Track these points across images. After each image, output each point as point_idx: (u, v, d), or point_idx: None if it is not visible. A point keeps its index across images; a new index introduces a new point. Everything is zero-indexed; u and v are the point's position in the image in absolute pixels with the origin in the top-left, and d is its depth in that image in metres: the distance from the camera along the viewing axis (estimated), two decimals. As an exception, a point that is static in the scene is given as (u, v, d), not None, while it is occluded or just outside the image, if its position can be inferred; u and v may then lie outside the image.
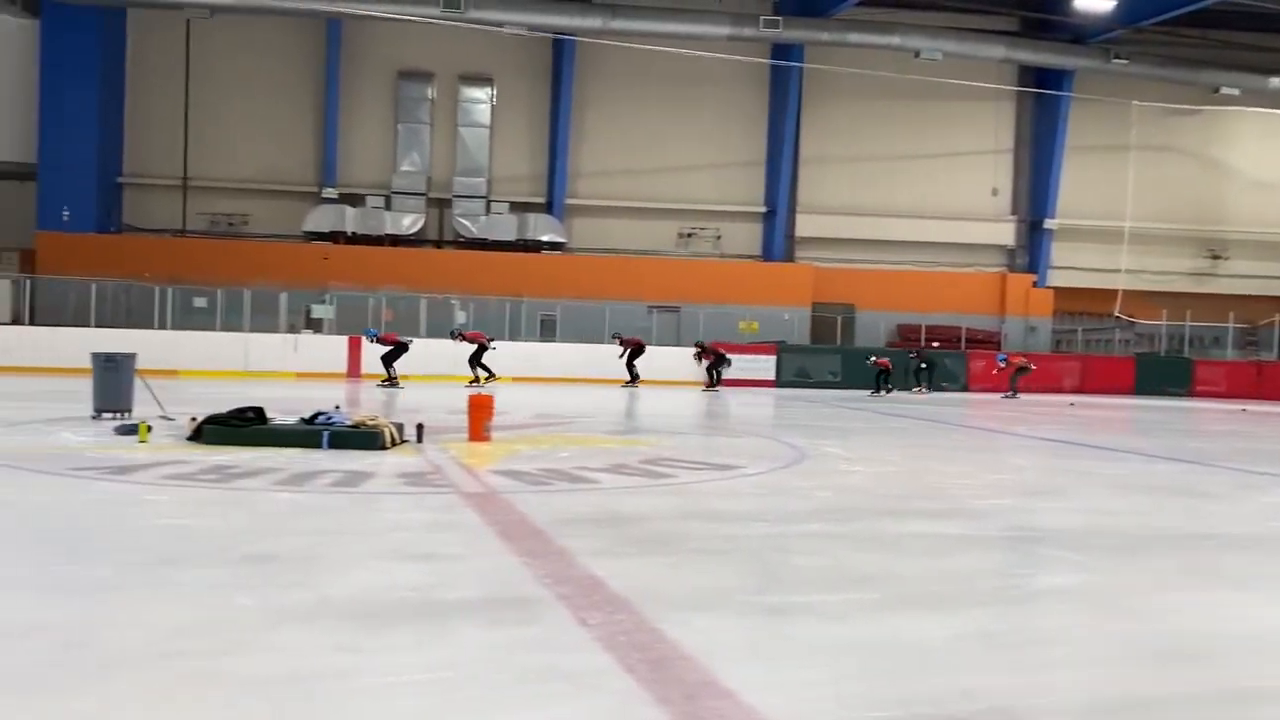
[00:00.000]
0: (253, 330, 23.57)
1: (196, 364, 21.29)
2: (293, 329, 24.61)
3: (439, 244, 30.05)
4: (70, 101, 25.15)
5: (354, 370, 23.69)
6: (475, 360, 21.71)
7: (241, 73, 28.06)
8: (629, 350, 24.21)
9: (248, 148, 28.26)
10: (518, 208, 30.03)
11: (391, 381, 20.75)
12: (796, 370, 27.91)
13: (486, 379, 21.62)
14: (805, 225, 32.89)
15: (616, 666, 3.89)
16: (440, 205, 30.02)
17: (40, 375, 19.75)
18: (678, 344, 27.58)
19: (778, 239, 32.01)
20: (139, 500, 7.61)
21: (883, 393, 24.67)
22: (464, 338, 22.34)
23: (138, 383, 12.66)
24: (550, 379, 24.00)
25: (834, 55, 29.75)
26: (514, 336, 26.36)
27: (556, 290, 27.77)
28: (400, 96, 29.44)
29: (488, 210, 29.84)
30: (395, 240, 28.75)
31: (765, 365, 27.62)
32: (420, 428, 10.99)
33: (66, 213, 25.38)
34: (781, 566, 5.95)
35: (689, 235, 32.28)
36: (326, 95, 28.49)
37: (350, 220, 28.05)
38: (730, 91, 31.56)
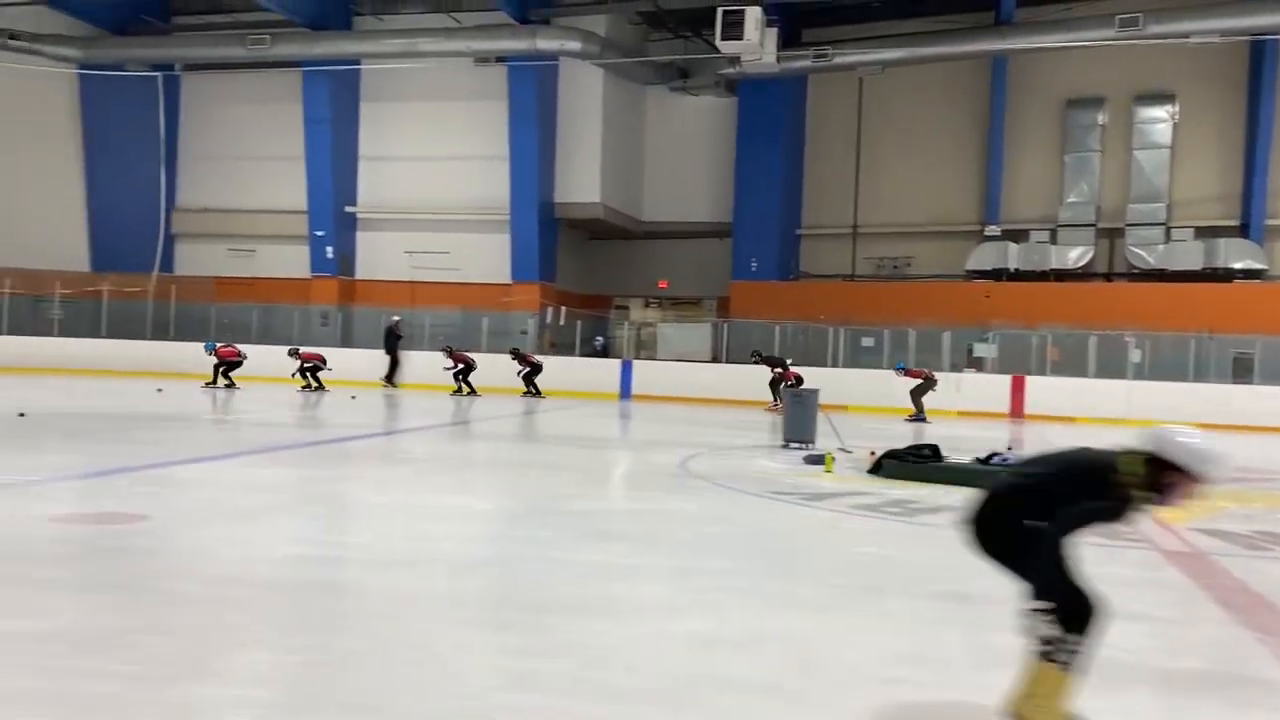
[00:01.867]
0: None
1: (866, 400, 22.50)
2: (955, 368, 24.81)
3: (1109, 277, 28.15)
4: (760, 165, 28.50)
5: (1017, 410, 23.14)
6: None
7: (907, 120, 29.27)
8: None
9: (912, 192, 29.33)
10: (1204, 233, 26.94)
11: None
12: None
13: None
14: None
15: None
16: (1110, 236, 28.12)
17: (734, 407, 22.52)
18: None
19: None
20: (836, 526, 8.18)
21: None
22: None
23: (820, 416, 13.70)
24: (1247, 427, 20.97)
25: None
26: (1200, 377, 23.58)
27: (1253, 325, 24.26)
28: (1068, 125, 28.30)
29: (1167, 238, 27.23)
30: (1060, 275, 27.58)
31: None
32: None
33: (755, 263, 28.71)
34: None
35: None
36: (990, 133, 28.45)
37: (1013, 257, 27.57)
38: None
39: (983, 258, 27.95)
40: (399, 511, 8.15)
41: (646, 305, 31.64)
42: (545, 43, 25.76)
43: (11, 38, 26.71)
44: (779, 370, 21.84)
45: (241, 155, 29.96)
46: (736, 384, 23.76)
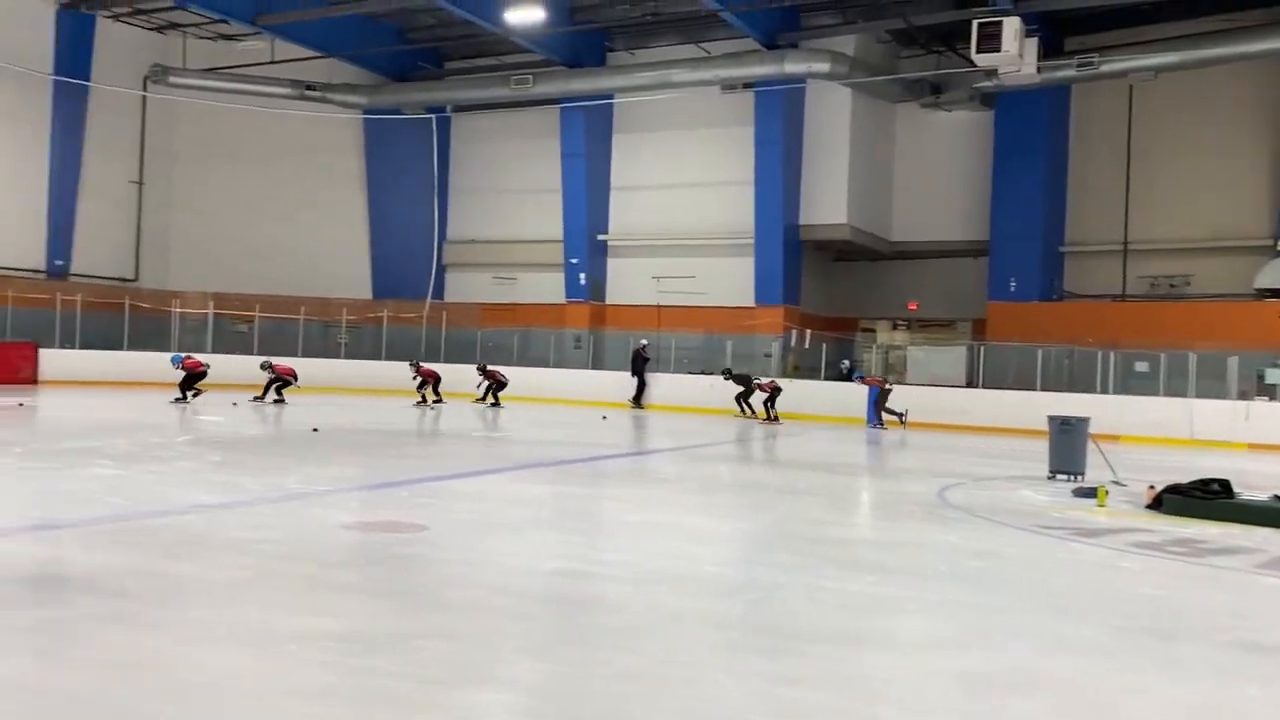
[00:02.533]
0: (1198, 396, 22.24)
1: (1138, 429, 20.87)
2: (1243, 395, 22.55)
3: None
4: (1019, 180, 27.14)
5: (1318, 443, 20.71)
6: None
7: (1184, 127, 27.04)
8: None
9: (1190, 205, 27.02)
10: None
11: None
12: None
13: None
14: None
15: None
16: None
17: (990, 435, 21.49)
18: None
19: None
20: (1113, 565, 7.62)
21: None
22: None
23: (1090, 446, 12.82)
24: None
25: None
26: None
27: None
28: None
29: None
30: (1370, 293, 24.52)
31: None
32: None
33: (1013, 283, 27.33)
34: None
35: None
36: (1282, 138, 25.81)
37: (1312, 273, 24.78)
38: None
39: (1275, 275, 25.30)
40: (654, 530, 8.33)
41: (895, 327, 30.82)
42: (793, 66, 25.76)
43: (309, 89, 29.69)
44: (744, 387, 23.65)
45: (504, 188, 31.80)
46: (993, 410, 22.69)
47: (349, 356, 29.54)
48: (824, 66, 25.50)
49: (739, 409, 23.87)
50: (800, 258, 28.48)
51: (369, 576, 6.25)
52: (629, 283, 30.07)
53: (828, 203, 27.72)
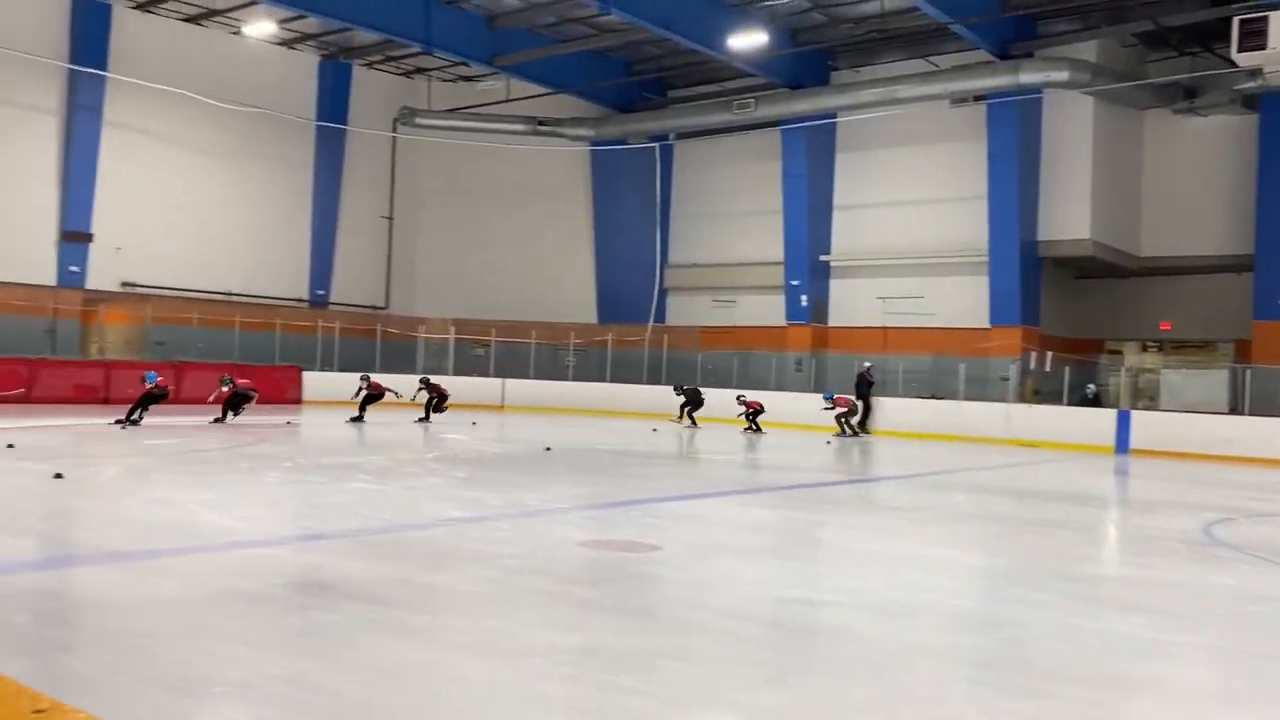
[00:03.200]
0: None
1: None
2: None
3: None
4: (1288, 188, 24.74)
5: None
6: None
7: None
8: None
9: None
10: None
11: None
12: None
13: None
14: None
15: None
16: None
17: (1259, 466, 19.55)
18: None
19: None
20: None
21: None
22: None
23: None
24: None
25: None
26: None
27: None
28: None
29: None
30: None
31: None
32: None
33: (1284, 300, 24.87)
34: None
35: None
36: None
37: None
38: None
39: None
40: (890, 559, 8.07)
41: (1145, 349, 28.66)
42: (1028, 76, 24.58)
43: (540, 124, 31.07)
44: (687, 402, 24.91)
45: (724, 212, 32.02)
46: (1262, 440, 20.66)
47: (577, 379, 30.51)
48: (1063, 75, 24.20)
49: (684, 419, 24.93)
50: (1039, 275, 27.03)
51: (606, 594, 6.38)
52: (853, 304, 29.52)
53: (1069, 217, 26.19)
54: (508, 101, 30.86)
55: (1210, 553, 8.91)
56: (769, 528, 9.78)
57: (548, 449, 16.31)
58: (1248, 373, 23.71)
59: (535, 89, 30.14)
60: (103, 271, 26.30)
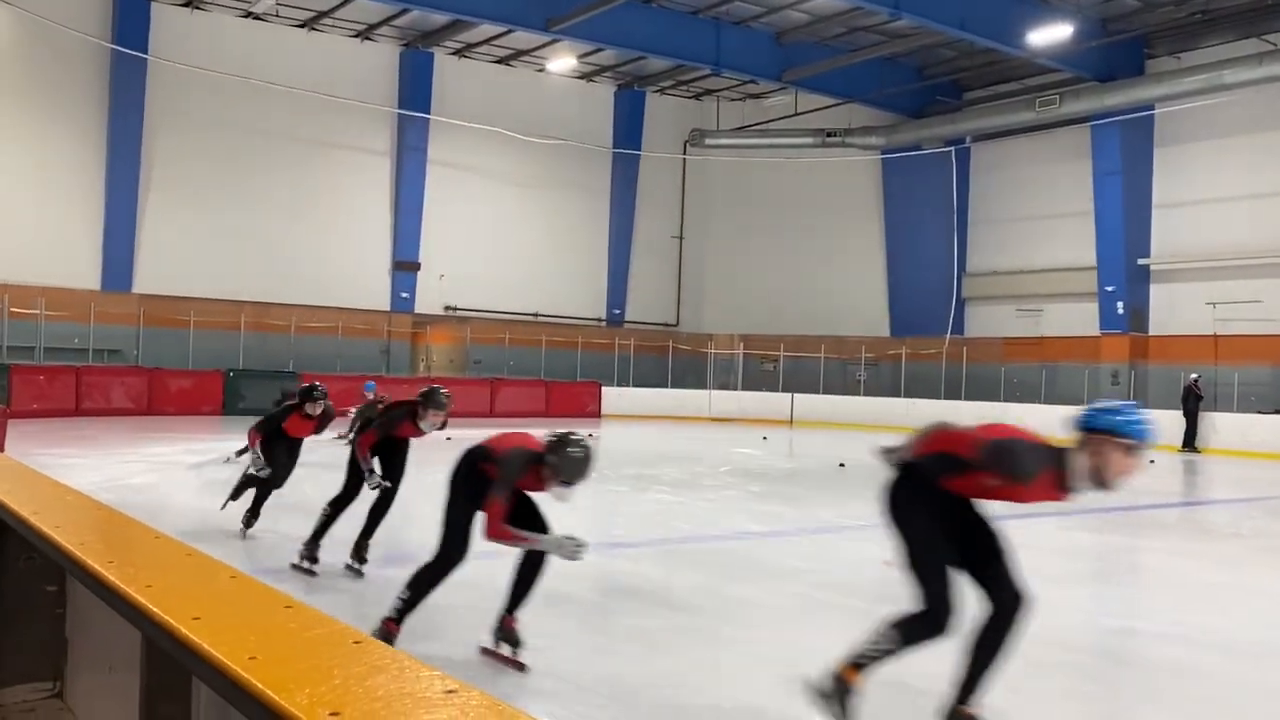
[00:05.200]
0: None
1: None
2: None
3: None
4: None
5: None
6: None
7: None
8: None
9: None
10: None
11: None
12: None
13: None
14: None
15: None
16: None
17: None
18: None
19: None
20: None
21: None
22: None
23: None
24: None
25: None
26: None
27: None
28: None
29: None
30: None
31: None
32: None
33: None
34: None
35: None
36: None
37: None
38: None
39: None
40: (1245, 592, 7.30)
41: None
42: (1390, 46, 21.55)
43: (829, 135, 30.85)
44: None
45: (1026, 216, 30.30)
46: None
47: (868, 394, 29.92)
48: None
49: None
50: (1405, 274, 23.55)
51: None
52: (1176, 311, 26.96)
53: None
54: (796, 115, 30.92)
55: None
56: (1089, 553, 9.14)
57: (841, 465, 16.11)
58: None
59: (823, 100, 29.98)
60: (428, 297, 28.91)
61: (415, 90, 28.13)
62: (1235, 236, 25.80)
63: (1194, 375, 23.62)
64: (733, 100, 33.27)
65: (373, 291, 28.07)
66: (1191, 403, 23.18)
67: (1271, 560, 8.95)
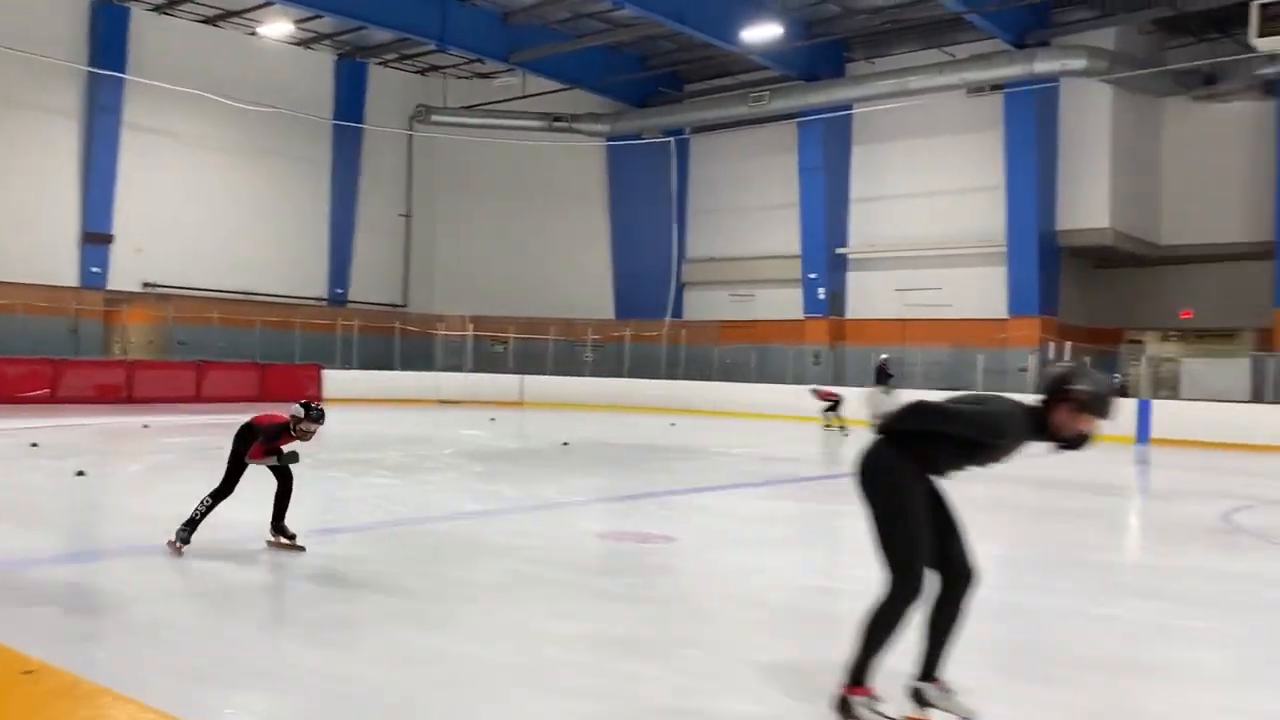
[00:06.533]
0: None
1: None
2: None
3: None
4: (1310, 173, 24.49)
5: None
6: None
7: None
8: None
9: None
10: None
11: None
12: None
13: None
14: None
15: None
16: None
17: (1277, 453, 19.40)
18: None
19: None
20: None
21: None
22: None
23: None
24: None
25: None
26: None
27: None
28: None
29: None
30: None
31: None
32: None
33: (1303, 288, 24.63)
34: None
35: None
36: None
37: None
38: None
39: None
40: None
41: (1165, 338, 28.44)
42: (1044, 65, 24.42)
43: (556, 120, 31.12)
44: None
45: (740, 206, 31.98)
46: (1284, 428, 20.48)
47: (595, 374, 30.57)
48: (1080, 63, 24.03)
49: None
50: (1058, 265, 26.87)
51: (624, 583, 6.42)
52: (870, 296, 29.43)
53: (1088, 206, 26.02)
54: (524, 98, 30.92)
55: (1229, 540, 8.86)
56: (786, 519, 9.80)
57: (565, 443, 16.37)
58: (1269, 361, 23.53)
59: (551, 85, 30.17)
60: (124, 272, 26.51)
61: (108, 46, 25.66)
62: (920, 230, 28.46)
63: (884, 355, 25.82)
64: (461, 78, 32.80)
65: (59, 266, 25.44)
66: (882, 381, 25.34)
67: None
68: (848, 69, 29.28)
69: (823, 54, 28.33)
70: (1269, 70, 23.40)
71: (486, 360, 31.12)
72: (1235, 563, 7.83)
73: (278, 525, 6.92)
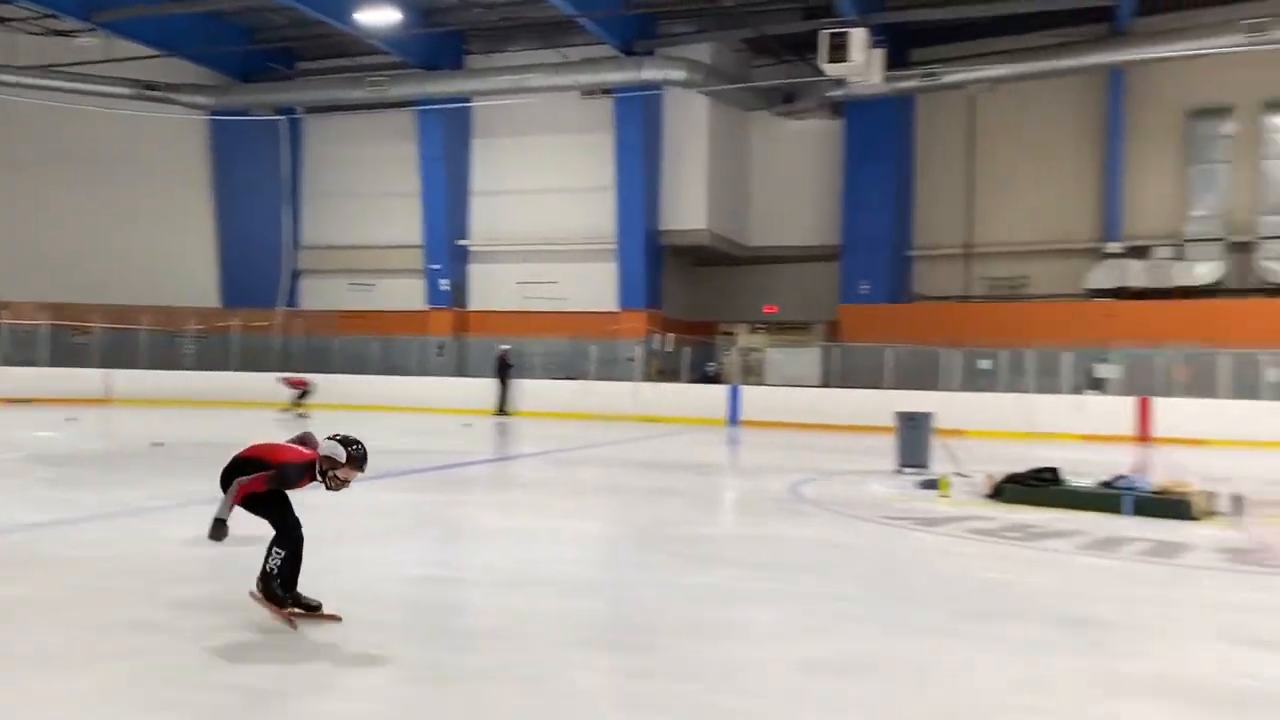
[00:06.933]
0: (1037, 391, 23.55)
1: (982, 424, 21.91)
2: (1077, 390, 24.02)
3: (1242, 293, 26.85)
4: (868, 186, 28.19)
5: (1144, 432, 22.20)
6: None
7: (1020, 137, 28.60)
8: None
9: (1027, 210, 28.59)
10: (1344, 245, 25.50)
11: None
12: None
13: None
14: None
15: None
16: (1243, 250, 26.84)
17: (843, 432, 22.20)
18: None
19: None
20: (950, 551, 8.00)
21: None
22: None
23: (935, 440, 13.41)
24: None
25: None
26: (1343, 396, 22.28)
27: (1404, 341, 22.81)
28: (1192, 137, 27.16)
29: (1303, 251, 25.88)
30: (1187, 292, 26.42)
31: None
32: (1239, 499, 9.77)
33: (865, 286, 28.34)
34: None
35: None
36: (1107, 148, 27.53)
37: (1135, 275, 26.55)
38: None
39: (1103, 276, 27.01)
40: (514, 535, 8.30)
41: (753, 330, 31.52)
42: (650, 73, 26.07)
43: (149, 88, 28.37)
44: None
45: (360, 193, 31.10)
46: (847, 409, 23.45)
47: (199, 368, 28.30)
48: (680, 74, 25.90)
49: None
50: (661, 263, 28.82)
51: (207, 591, 6.03)
52: (492, 289, 29.85)
53: (687, 208, 28.14)
54: (109, 61, 27.88)
55: (794, 508, 10.01)
56: (401, 511, 9.68)
57: (158, 444, 15.02)
58: (836, 350, 26.85)
59: (143, 50, 27.47)
60: None
61: None
62: (538, 225, 29.29)
63: (504, 347, 26.33)
64: (33, 35, 28.87)
65: None
66: (503, 371, 25.83)
67: (553, 504, 10.34)
68: (466, 61, 29.44)
69: (442, 44, 28.25)
70: (837, 93, 26.59)
71: (67, 353, 27.71)
72: (798, 529, 8.85)
73: None
